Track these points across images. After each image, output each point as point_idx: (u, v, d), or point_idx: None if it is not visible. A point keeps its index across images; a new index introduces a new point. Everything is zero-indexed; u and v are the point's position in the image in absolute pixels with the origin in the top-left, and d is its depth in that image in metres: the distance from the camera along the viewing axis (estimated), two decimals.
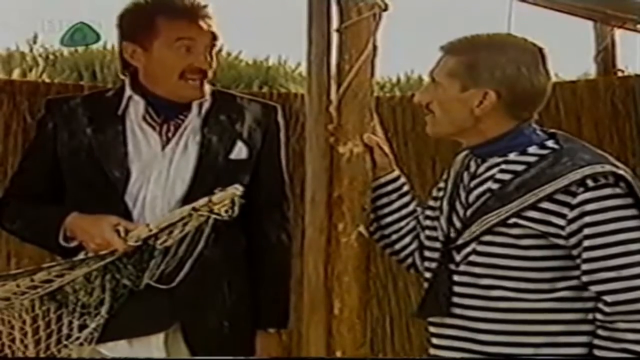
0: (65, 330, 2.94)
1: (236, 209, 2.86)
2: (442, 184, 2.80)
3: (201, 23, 3.01)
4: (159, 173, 3.04)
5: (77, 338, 2.93)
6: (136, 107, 3.07)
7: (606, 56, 5.02)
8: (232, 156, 3.08)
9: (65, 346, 2.93)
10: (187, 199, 2.99)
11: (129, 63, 3.10)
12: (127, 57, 3.09)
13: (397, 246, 2.85)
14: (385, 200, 2.83)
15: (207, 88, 3.10)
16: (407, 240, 2.84)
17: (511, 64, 2.61)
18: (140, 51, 3.05)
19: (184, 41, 3.00)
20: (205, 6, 3.05)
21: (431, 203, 2.80)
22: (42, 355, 2.92)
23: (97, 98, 3.22)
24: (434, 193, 2.82)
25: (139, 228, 2.93)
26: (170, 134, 3.06)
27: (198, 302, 3.03)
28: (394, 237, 2.84)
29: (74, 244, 3.02)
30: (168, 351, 3.03)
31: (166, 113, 3.07)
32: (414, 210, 2.85)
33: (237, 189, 2.86)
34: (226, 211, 2.86)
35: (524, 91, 2.62)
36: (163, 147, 3.05)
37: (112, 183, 3.03)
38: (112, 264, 2.94)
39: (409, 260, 2.85)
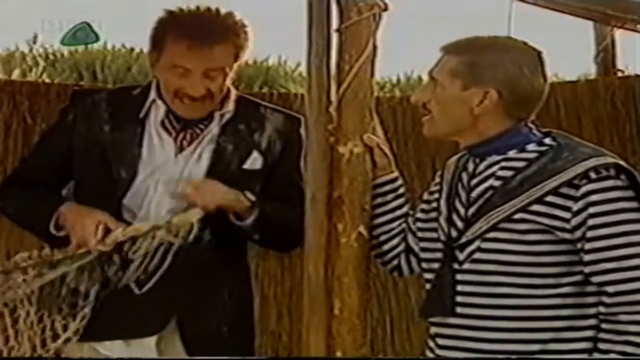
0: (48, 332, 2.94)
1: (193, 234, 2.88)
2: (435, 187, 2.80)
3: (204, 50, 2.97)
4: (169, 179, 3.04)
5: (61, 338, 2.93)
6: (157, 112, 3.09)
7: (606, 56, 5.01)
8: (246, 166, 3.08)
9: (48, 350, 2.93)
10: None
11: None
12: (149, 63, 3.13)
13: (386, 247, 2.85)
14: (380, 200, 2.83)
15: (232, 99, 3.09)
16: (395, 241, 2.84)
17: (513, 65, 2.63)
18: (154, 61, 3.07)
19: (177, 69, 3.00)
20: (218, 29, 3.00)
21: (423, 206, 2.81)
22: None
23: (122, 95, 3.21)
24: (425, 196, 2.83)
25: (115, 232, 2.93)
26: (186, 142, 3.07)
27: (195, 305, 3.03)
28: (384, 237, 2.84)
29: (62, 233, 3.01)
30: (161, 352, 3.03)
31: (185, 121, 3.07)
32: (407, 213, 2.86)
33: (198, 212, 2.88)
34: (184, 236, 2.88)
35: (524, 92, 2.64)
36: (176, 154, 3.06)
37: (115, 182, 3.04)
38: (100, 259, 2.94)
39: (394, 262, 2.86)
